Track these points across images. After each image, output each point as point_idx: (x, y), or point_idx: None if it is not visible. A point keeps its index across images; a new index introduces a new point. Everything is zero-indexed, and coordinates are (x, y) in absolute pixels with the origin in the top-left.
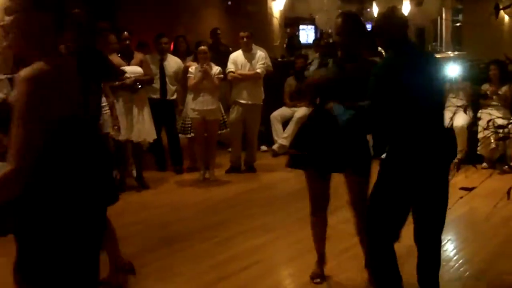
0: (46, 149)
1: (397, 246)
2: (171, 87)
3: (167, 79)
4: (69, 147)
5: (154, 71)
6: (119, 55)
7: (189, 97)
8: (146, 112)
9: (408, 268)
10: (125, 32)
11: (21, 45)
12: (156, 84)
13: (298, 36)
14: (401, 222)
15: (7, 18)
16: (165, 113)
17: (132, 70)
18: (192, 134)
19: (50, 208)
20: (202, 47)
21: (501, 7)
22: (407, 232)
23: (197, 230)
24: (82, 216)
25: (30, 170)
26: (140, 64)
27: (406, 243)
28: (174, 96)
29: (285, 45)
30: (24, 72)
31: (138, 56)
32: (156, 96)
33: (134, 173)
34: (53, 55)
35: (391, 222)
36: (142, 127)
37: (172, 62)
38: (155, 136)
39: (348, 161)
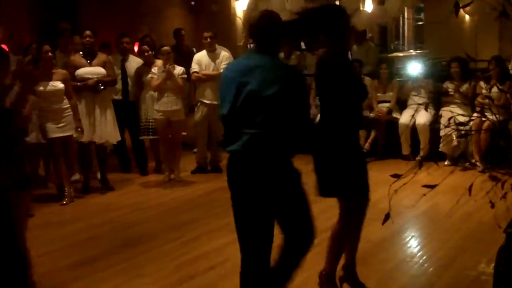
0: None
1: (362, 242)
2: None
3: (128, 80)
4: None
5: (115, 72)
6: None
7: (148, 98)
8: (109, 113)
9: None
10: (87, 31)
11: None
12: (118, 85)
13: None
14: None
15: None
16: (127, 114)
17: (95, 71)
18: (152, 136)
19: None
20: (165, 48)
21: (460, 5)
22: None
23: (162, 231)
24: None
25: None
26: (103, 64)
27: (371, 238)
28: None
29: (248, 45)
30: None
31: (101, 56)
32: (118, 97)
33: (98, 175)
34: None
35: None
36: (105, 129)
37: (134, 63)
38: (118, 138)
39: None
